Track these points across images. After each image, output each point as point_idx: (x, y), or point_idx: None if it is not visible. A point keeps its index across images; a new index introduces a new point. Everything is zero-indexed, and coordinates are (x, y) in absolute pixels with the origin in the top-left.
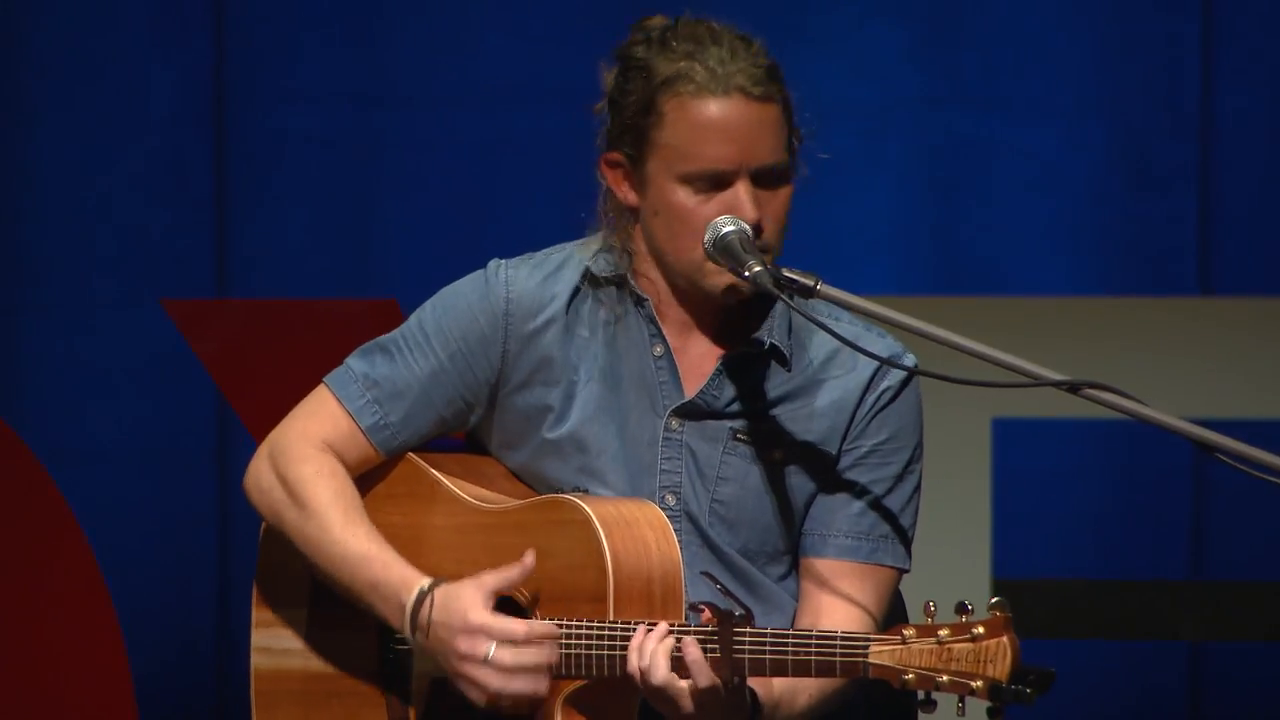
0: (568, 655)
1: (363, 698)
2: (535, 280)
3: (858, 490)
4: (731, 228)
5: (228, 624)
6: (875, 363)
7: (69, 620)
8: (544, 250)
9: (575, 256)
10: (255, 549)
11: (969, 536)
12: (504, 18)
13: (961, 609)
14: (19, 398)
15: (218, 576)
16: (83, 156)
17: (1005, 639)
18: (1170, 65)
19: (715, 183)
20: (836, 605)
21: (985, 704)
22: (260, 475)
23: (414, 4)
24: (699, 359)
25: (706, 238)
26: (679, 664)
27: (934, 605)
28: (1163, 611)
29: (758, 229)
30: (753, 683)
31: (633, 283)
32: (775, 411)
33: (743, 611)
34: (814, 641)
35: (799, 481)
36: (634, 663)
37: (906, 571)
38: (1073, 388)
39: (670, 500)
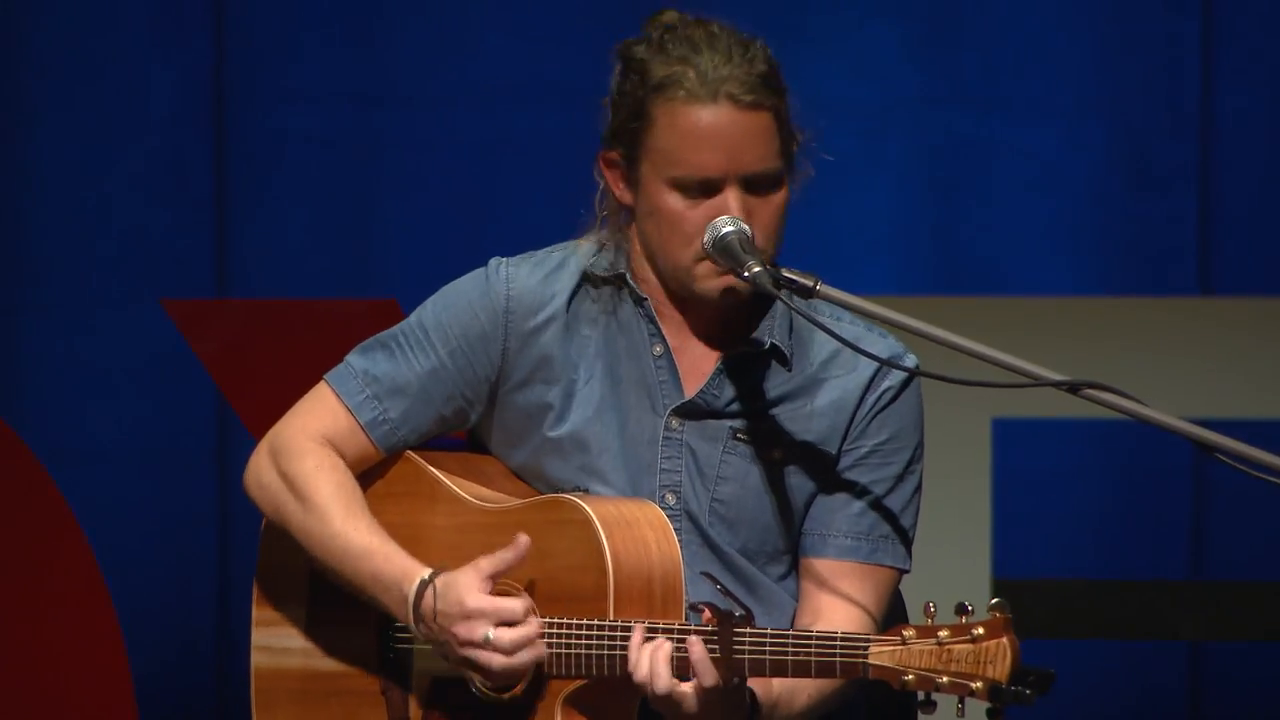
0: (567, 655)
1: (363, 697)
2: (536, 278)
3: (858, 490)
4: (731, 228)
5: (228, 624)
6: (876, 363)
7: (69, 620)
8: (545, 249)
9: (576, 255)
10: (255, 549)
11: (969, 536)
12: (504, 17)
13: (961, 610)
14: (19, 398)
15: (218, 576)
16: (83, 156)
17: (1005, 640)
18: (1170, 65)
19: (704, 189)
20: (836, 605)
21: (985, 705)
22: (260, 470)
23: (414, 4)
24: (699, 358)
25: (706, 238)
26: (681, 664)
27: (934, 606)
28: (1163, 611)
29: None
30: (752, 683)
31: (632, 282)
32: (775, 411)
33: (743, 612)
34: (814, 642)
35: (799, 481)
36: (637, 675)
37: (906, 572)
38: (1073, 388)
39: (670, 499)
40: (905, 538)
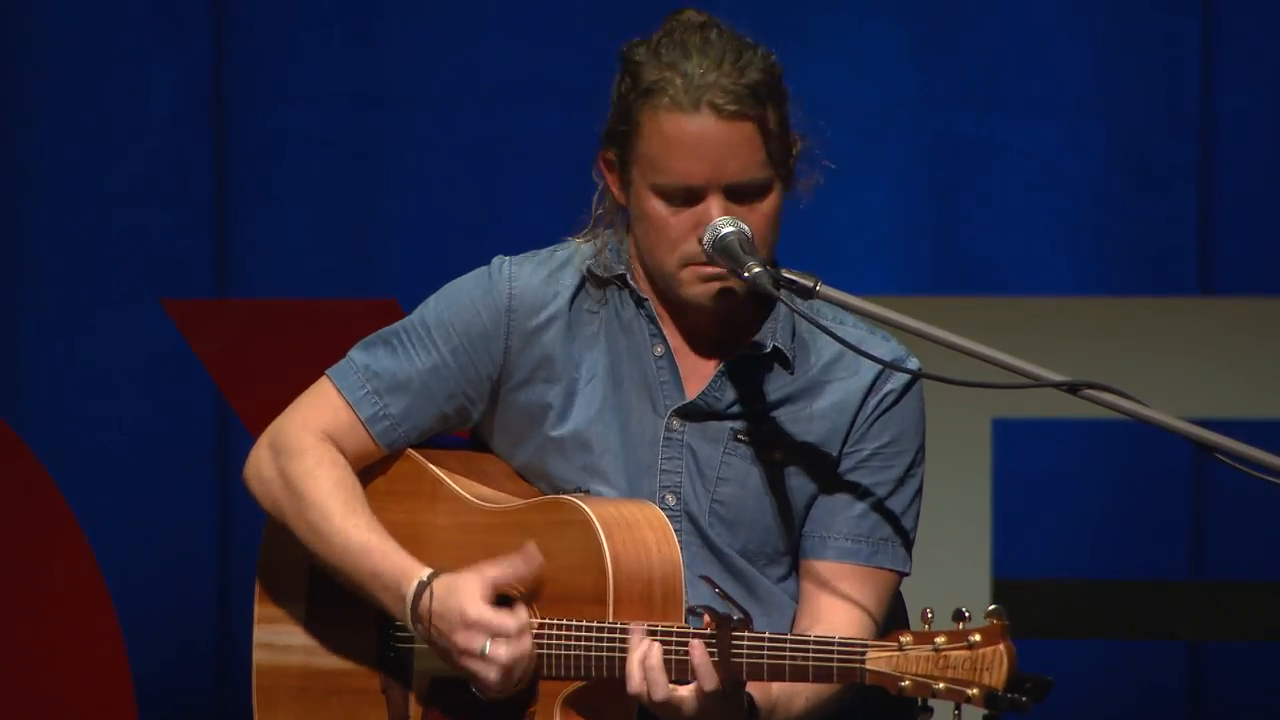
0: (567, 657)
1: (363, 695)
2: (539, 277)
3: (859, 493)
4: (731, 228)
5: (228, 624)
6: (878, 366)
7: (69, 620)
8: (548, 248)
9: (578, 254)
10: (255, 549)
11: (969, 536)
12: (504, 18)
13: (959, 616)
14: (19, 398)
15: (218, 576)
16: (83, 156)
17: (1002, 647)
18: (1170, 65)
19: (686, 197)
20: (836, 608)
21: (981, 711)
22: (260, 465)
23: (414, 4)
24: (700, 359)
25: (705, 238)
26: (680, 667)
27: (931, 612)
28: (1163, 611)
29: None
30: (749, 686)
31: (632, 283)
32: (777, 413)
33: (741, 616)
34: (811, 647)
35: (799, 483)
36: (630, 687)
37: (906, 574)
38: (1073, 388)
39: (670, 500)
40: (906, 540)
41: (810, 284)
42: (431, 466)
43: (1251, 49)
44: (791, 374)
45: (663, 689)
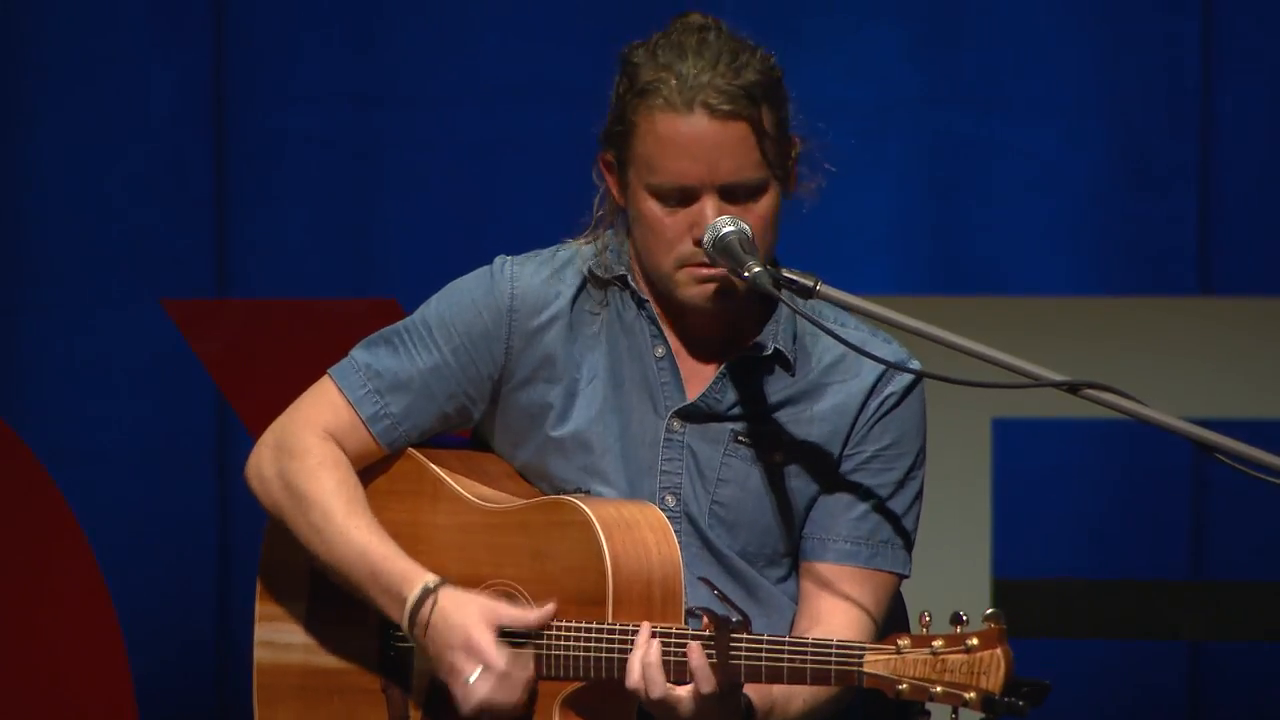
0: (566, 658)
1: (363, 694)
2: (541, 277)
3: (859, 495)
4: (731, 228)
5: (228, 624)
6: (879, 368)
7: (69, 620)
8: (550, 248)
9: (580, 255)
10: (255, 549)
11: (969, 536)
12: (504, 18)
13: (956, 620)
14: (19, 398)
15: (218, 576)
16: (83, 156)
17: (999, 651)
18: (1170, 65)
19: (681, 197)
20: (835, 610)
21: (978, 715)
22: (262, 464)
23: (414, 4)
24: (701, 361)
25: (706, 238)
26: (678, 668)
27: (929, 615)
28: (1163, 611)
29: None
30: (747, 688)
31: (634, 284)
32: (777, 415)
33: (740, 618)
34: (809, 650)
35: (800, 485)
36: (629, 682)
37: (906, 577)
38: (1073, 388)
39: (670, 501)
40: (906, 543)
41: (810, 284)
42: (432, 466)
43: (1251, 49)
44: (792, 376)
45: (660, 687)
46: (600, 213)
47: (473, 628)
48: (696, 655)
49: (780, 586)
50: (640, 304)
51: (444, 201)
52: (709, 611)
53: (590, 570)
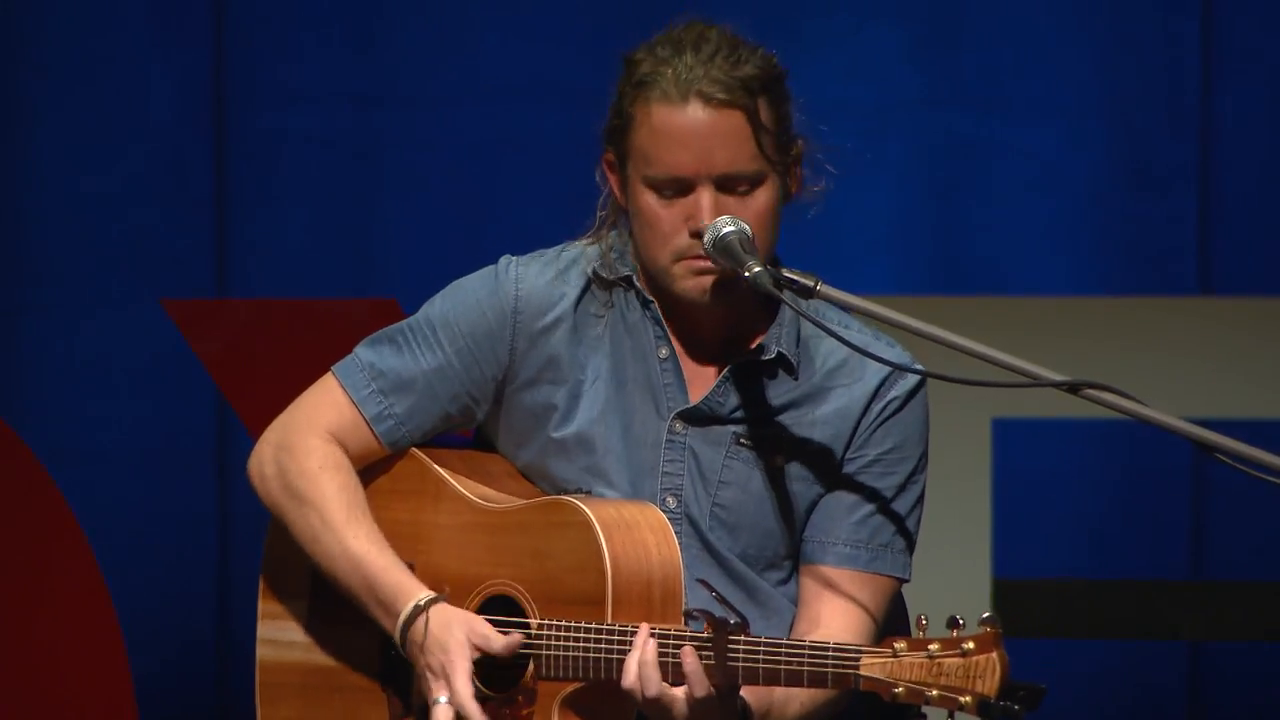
0: (565, 658)
1: (364, 693)
2: (545, 278)
3: (860, 498)
4: (731, 228)
5: (228, 624)
6: (882, 372)
7: (69, 620)
8: (555, 248)
9: (584, 255)
10: (255, 549)
11: (969, 536)
12: (504, 18)
13: (953, 623)
14: (19, 398)
15: (218, 576)
16: (83, 156)
17: (995, 655)
18: (1170, 65)
19: (677, 189)
20: (835, 613)
21: (974, 719)
22: (264, 463)
23: (414, 4)
24: (705, 362)
25: (706, 238)
26: (676, 670)
27: (925, 619)
28: (1163, 611)
29: None
30: (745, 690)
31: (638, 285)
32: (780, 418)
33: (738, 620)
34: (806, 652)
35: (801, 488)
36: (624, 682)
37: (906, 581)
38: (1073, 388)
39: (671, 502)
40: (906, 547)
41: (810, 284)
42: (435, 466)
43: (1251, 49)
44: (795, 379)
45: (655, 686)
46: (603, 213)
47: (455, 654)
48: (690, 658)
49: (780, 589)
50: (645, 304)
51: (444, 201)
52: (707, 613)
53: (590, 570)
